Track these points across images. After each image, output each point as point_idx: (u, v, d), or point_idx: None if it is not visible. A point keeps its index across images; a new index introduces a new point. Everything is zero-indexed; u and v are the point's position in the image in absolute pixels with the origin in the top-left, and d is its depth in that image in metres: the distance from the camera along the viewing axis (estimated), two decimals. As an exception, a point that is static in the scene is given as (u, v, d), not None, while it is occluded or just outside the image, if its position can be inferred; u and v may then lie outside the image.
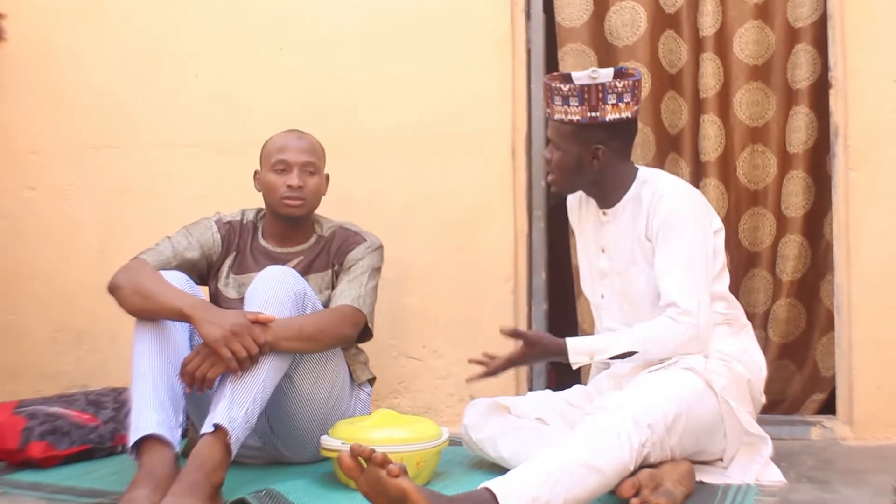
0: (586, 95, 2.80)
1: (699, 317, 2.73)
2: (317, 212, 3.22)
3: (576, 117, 2.83)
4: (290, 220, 3.13)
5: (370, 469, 2.12)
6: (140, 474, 2.50)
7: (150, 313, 2.76)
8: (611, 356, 2.76)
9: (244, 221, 3.21)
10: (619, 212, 2.93)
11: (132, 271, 2.88)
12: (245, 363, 2.64)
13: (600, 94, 2.80)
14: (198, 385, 2.66)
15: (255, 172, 3.21)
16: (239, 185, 3.45)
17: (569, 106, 2.82)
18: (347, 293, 3.01)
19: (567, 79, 2.84)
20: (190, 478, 2.43)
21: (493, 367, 2.87)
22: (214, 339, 2.63)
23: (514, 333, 2.85)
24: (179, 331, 2.81)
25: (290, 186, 3.07)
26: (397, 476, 2.09)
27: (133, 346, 2.75)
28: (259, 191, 3.19)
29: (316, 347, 2.85)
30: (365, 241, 3.14)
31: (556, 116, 2.87)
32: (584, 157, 2.87)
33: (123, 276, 2.86)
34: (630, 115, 2.86)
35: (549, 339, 2.83)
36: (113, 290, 2.85)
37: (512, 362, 2.86)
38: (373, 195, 3.70)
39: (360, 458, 2.14)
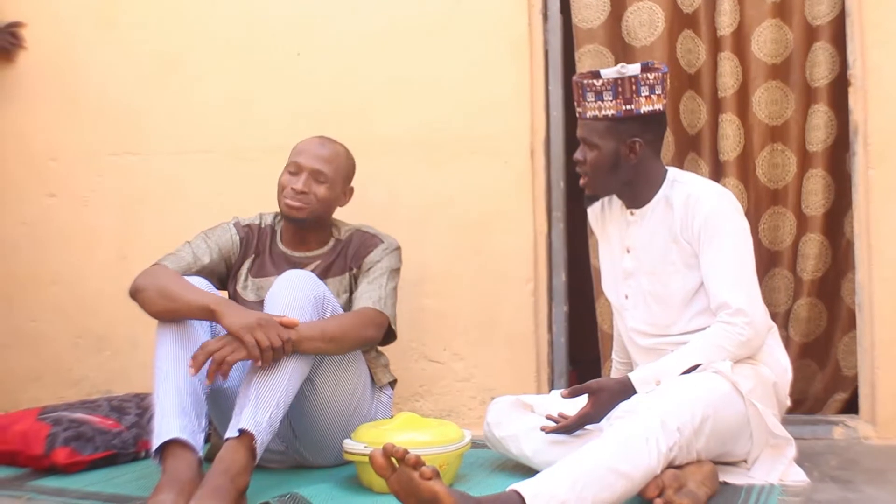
0: (620, 89, 2.81)
1: (752, 314, 2.73)
2: (335, 216, 3.22)
3: (610, 112, 2.83)
4: (296, 223, 3.12)
5: (402, 469, 2.13)
6: (164, 479, 2.50)
7: (174, 314, 2.76)
8: (678, 374, 2.70)
9: (262, 225, 3.21)
10: (648, 212, 2.93)
11: (153, 275, 2.88)
12: (267, 354, 2.62)
13: (633, 87, 2.81)
14: (214, 366, 2.62)
15: None
16: (256, 191, 3.47)
17: (602, 101, 2.83)
18: (368, 295, 3.01)
19: (596, 76, 2.85)
20: (215, 482, 2.44)
21: (566, 425, 2.78)
22: (239, 327, 2.62)
23: (574, 393, 2.78)
24: (201, 335, 2.80)
25: (293, 189, 3.07)
26: (430, 479, 2.09)
27: (155, 350, 2.75)
28: None
29: (338, 349, 2.84)
30: (382, 242, 3.14)
31: (589, 114, 2.86)
32: (622, 152, 2.86)
33: (145, 279, 2.86)
34: (661, 108, 2.88)
35: (611, 381, 2.80)
36: (135, 293, 2.85)
37: (584, 418, 2.76)
38: (391, 198, 3.70)
39: (392, 458, 2.14)
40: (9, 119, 4.11)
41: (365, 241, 3.15)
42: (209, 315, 2.71)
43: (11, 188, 4.11)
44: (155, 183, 3.96)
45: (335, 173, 3.15)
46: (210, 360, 2.63)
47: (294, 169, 3.10)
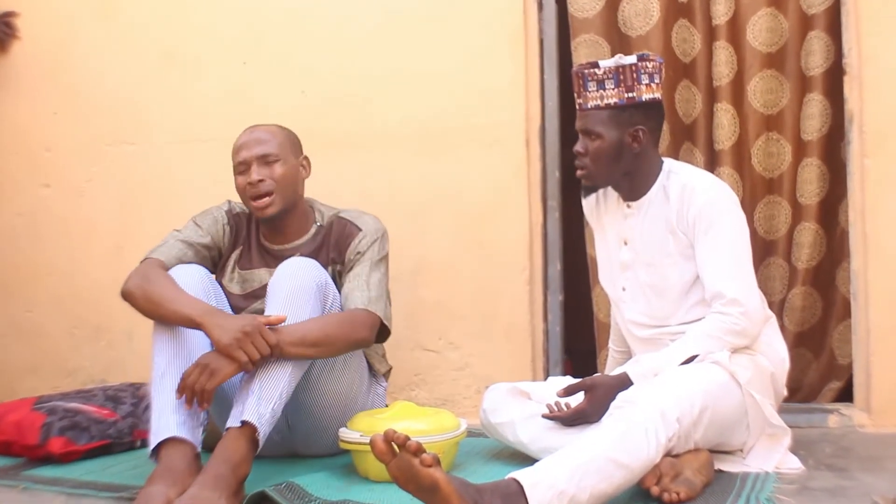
0: (622, 77, 2.82)
1: (747, 304, 2.74)
2: (316, 200, 3.14)
3: (613, 100, 2.84)
4: (271, 219, 3.01)
5: (403, 455, 2.12)
6: (158, 469, 2.50)
7: (162, 319, 2.72)
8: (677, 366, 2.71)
9: (250, 215, 3.13)
10: (644, 204, 2.93)
11: (142, 277, 2.81)
12: (259, 364, 2.60)
13: (634, 75, 2.82)
14: (197, 398, 2.58)
15: None
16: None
17: (605, 90, 2.83)
18: (357, 296, 2.88)
19: (595, 66, 2.85)
20: (216, 470, 2.43)
21: (562, 417, 2.79)
22: (227, 344, 2.57)
23: (569, 392, 2.80)
24: (196, 333, 2.73)
25: (250, 184, 2.96)
26: (430, 466, 2.09)
27: (152, 346, 2.73)
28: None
29: (327, 353, 2.77)
30: (360, 230, 3.01)
31: (591, 104, 2.86)
32: (625, 141, 2.85)
33: (134, 282, 2.80)
34: (660, 97, 2.90)
35: (606, 378, 2.81)
36: (126, 296, 2.81)
37: (581, 413, 2.76)
38: (388, 189, 3.69)
39: (393, 444, 2.14)
40: (3, 109, 4.12)
41: (344, 231, 3.02)
42: (194, 325, 2.65)
43: (6, 179, 4.11)
44: (151, 173, 3.96)
45: (280, 147, 3.01)
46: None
47: (242, 168, 2.98)
